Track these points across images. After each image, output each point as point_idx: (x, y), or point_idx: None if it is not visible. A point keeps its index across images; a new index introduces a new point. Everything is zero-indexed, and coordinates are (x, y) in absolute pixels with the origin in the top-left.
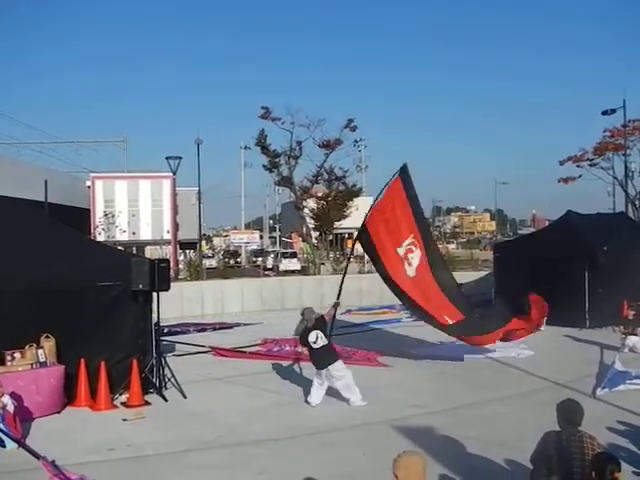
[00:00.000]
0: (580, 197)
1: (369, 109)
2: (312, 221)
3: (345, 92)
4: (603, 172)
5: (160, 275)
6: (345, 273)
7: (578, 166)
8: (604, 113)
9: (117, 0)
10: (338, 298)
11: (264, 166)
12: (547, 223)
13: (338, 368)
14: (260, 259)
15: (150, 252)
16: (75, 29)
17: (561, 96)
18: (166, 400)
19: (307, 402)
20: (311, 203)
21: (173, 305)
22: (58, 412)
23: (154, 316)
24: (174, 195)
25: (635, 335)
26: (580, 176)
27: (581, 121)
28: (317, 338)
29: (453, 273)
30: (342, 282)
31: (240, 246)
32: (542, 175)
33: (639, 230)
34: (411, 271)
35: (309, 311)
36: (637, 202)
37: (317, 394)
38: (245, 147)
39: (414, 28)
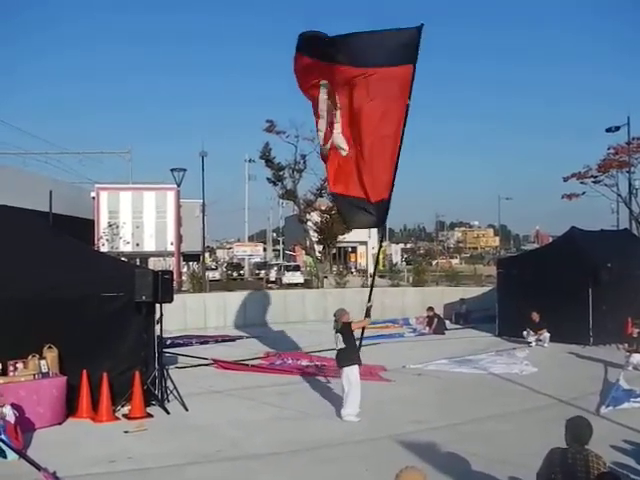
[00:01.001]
0: (584, 214)
1: None
2: (315, 234)
3: None
4: (607, 189)
5: (163, 287)
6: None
7: (582, 183)
8: (608, 130)
9: (121, 9)
10: (369, 301)
11: (268, 179)
12: (550, 239)
13: (347, 374)
14: (263, 272)
15: (153, 263)
16: (79, 38)
17: (566, 111)
18: (168, 412)
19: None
20: (315, 216)
21: (176, 317)
22: (59, 423)
23: (157, 328)
24: (178, 207)
25: (639, 353)
26: (584, 193)
27: (586, 137)
28: (337, 341)
29: (456, 288)
30: (372, 285)
31: (243, 259)
32: (546, 191)
33: None
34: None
35: (339, 312)
36: None
37: None
38: (250, 160)
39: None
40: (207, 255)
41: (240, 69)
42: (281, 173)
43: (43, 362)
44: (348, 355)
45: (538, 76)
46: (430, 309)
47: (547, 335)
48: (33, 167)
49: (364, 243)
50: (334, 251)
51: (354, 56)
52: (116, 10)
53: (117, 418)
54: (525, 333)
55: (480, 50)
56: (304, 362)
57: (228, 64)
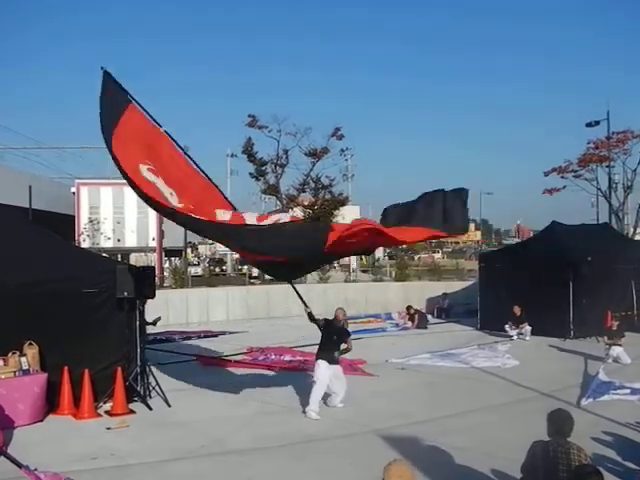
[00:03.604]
0: (564, 208)
1: (356, 118)
2: None
3: (332, 100)
4: (587, 183)
5: (145, 282)
6: None
7: (562, 177)
8: (588, 125)
9: (102, 6)
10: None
11: (250, 174)
12: (532, 233)
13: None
14: (246, 267)
15: (135, 259)
16: (60, 33)
17: (548, 105)
18: (150, 409)
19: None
20: (297, 212)
21: (158, 313)
22: (41, 420)
23: (138, 324)
24: None
25: (619, 345)
26: (564, 187)
27: (566, 131)
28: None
29: (439, 283)
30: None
31: (225, 254)
32: (527, 186)
33: (622, 241)
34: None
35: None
36: (620, 213)
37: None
38: (232, 155)
39: (401, 32)
40: (189, 251)
41: (222, 63)
42: (263, 168)
43: (24, 359)
44: (319, 350)
45: (521, 68)
46: (409, 308)
47: (529, 328)
48: (11, 162)
49: None
50: None
51: None
52: (95, 4)
53: (99, 415)
54: (507, 327)
55: (462, 41)
56: (287, 357)
57: (210, 58)
